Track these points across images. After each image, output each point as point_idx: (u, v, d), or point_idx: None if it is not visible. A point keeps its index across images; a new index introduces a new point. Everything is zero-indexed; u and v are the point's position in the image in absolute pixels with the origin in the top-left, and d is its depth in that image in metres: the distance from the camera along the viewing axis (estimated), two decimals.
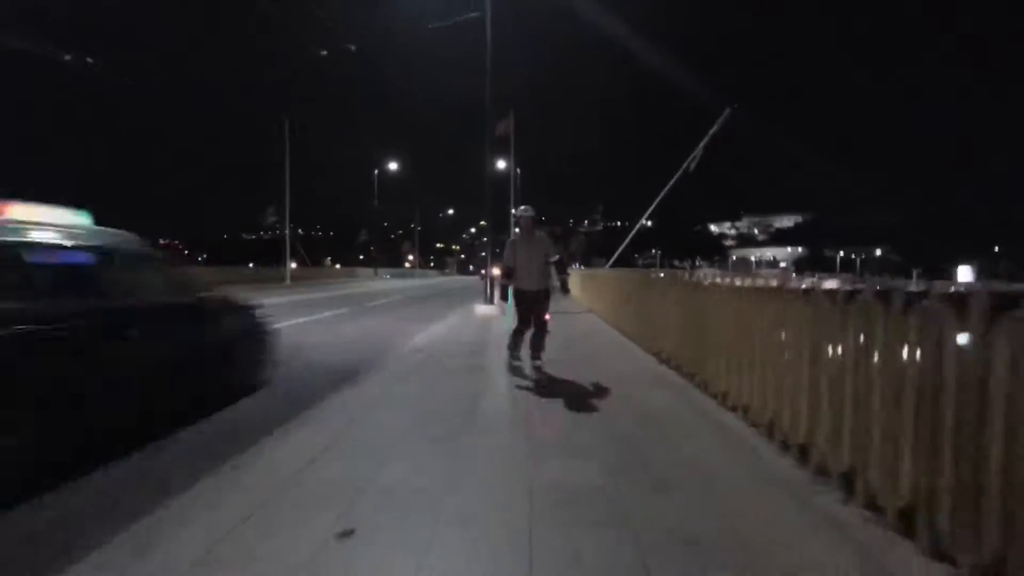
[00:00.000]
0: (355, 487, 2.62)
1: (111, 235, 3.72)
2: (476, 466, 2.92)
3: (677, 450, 3.19)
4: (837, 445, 2.57)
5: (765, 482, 2.71)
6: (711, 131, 14.89)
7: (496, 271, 11.01)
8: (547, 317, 5.59)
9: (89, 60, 16.72)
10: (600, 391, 4.68)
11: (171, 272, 4.39)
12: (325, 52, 19.04)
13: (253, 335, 5.07)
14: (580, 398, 4.45)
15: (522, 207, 5.65)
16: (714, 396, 4.26)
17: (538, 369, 5.41)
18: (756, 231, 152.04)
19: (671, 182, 15.74)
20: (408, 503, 2.46)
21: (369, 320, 11.67)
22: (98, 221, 3.70)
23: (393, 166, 43.69)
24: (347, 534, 2.18)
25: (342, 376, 5.29)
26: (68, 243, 3.25)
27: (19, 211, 3.07)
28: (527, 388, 4.83)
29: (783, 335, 3.18)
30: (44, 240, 3.08)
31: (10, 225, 2.95)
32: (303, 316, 11.69)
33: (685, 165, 15.07)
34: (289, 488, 2.62)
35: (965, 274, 34.36)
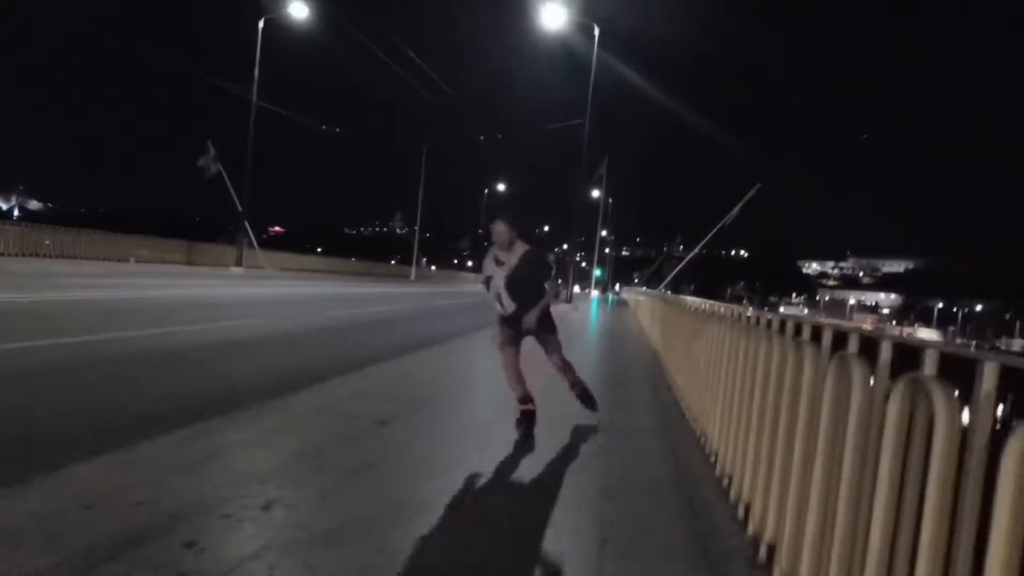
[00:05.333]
0: None
1: None
2: None
3: None
4: None
5: None
6: (743, 199, 18.24)
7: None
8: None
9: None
10: None
11: None
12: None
13: None
14: None
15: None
16: None
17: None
18: (861, 273, 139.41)
19: (707, 238, 20.40)
20: None
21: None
22: None
23: (500, 187, 50.36)
24: None
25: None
26: None
27: None
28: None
29: None
30: None
31: None
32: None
33: (720, 224, 19.63)
34: None
35: None
